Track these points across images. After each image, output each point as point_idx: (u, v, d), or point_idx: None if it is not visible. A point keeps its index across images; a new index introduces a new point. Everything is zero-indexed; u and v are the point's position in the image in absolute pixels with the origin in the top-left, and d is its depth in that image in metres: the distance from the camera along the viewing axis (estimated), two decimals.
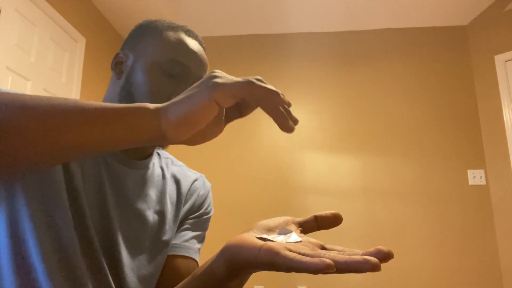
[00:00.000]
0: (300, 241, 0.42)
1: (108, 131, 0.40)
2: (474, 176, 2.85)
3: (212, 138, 0.44)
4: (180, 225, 0.73)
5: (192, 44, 0.68)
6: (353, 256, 0.33)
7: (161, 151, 0.78)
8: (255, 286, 2.76)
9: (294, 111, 3.10)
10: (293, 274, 2.77)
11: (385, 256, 0.34)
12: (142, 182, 0.68)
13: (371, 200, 2.88)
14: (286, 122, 0.41)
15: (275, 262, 0.36)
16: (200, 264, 0.65)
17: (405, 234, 2.80)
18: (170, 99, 0.64)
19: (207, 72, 0.71)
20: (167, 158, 0.78)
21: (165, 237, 0.68)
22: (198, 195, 0.77)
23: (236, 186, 2.99)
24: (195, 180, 0.78)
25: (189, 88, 0.43)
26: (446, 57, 3.09)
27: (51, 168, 0.54)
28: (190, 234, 0.73)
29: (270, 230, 0.46)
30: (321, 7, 2.95)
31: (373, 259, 0.32)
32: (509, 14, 2.80)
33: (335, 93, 3.12)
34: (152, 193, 0.69)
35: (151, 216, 0.67)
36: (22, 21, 2.07)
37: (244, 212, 2.92)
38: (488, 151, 2.87)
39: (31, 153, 0.37)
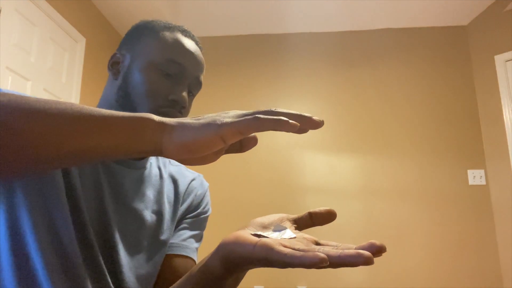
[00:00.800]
0: (295, 237, 0.42)
1: (112, 140, 0.40)
2: (474, 176, 2.85)
3: (205, 163, 0.44)
4: (177, 225, 0.73)
5: (189, 44, 0.69)
6: (346, 251, 0.33)
7: None
8: (255, 286, 2.76)
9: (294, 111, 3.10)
10: (293, 274, 2.77)
11: (377, 250, 0.34)
12: (140, 182, 0.69)
13: (371, 200, 2.88)
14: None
15: (270, 258, 0.37)
16: None
17: (405, 234, 2.80)
18: (167, 99, 0.65)
19: (204, 72, 0.72)
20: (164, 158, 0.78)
21: (163, 237, 0.69)
22: (195, 195, 0.77)
23: (235, 186, 2.99)
24: (192, 180, 0.78)
25: (199, 117, 0.42)
26: (446, 57, 3.09)
27: (51, 171, 0.55)
28: (188, 233, 0.73)
29: (265, 227, 0.47)
30: (321, 7, 2.95)
31: (366, 252, 0.32)
32: (509, 14, 2.79)
33: (335, 93, 3.12)
34: (150, 193, 0.69)
35: (148, 215, 0.67)
36: (22, 21, 2.08)
37: (244, 212, 2.92)
38: (488, 151, 2.86)
39: (34, 157, 0.37)
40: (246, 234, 0.43)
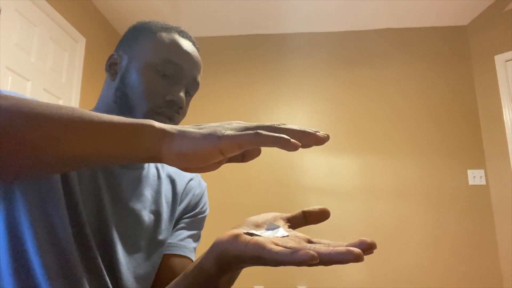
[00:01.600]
0: (287, 236, 0.43)
1: (112, 146, 0.40)
2: (474, 176, 2.85)
3: (206, 172, 0.44)
4: (175, 225, 0.74)
5: (186, 44, 0.69)
6: (336, 248, 0.34)
7: None
8: (255, 286, 2.76)
9: (294, 111, 3.10)
10: (293, 274, 2.77)
11: (368, 247, 0.35)
12: (138, 182, 0.69)
13: (370, 200, 2.88)
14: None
15: (262, 256, 0.37)
16: None
17: (405, 234, 2.80)
18: (164, 99, 0.65)
19: (201, 73, 0.72)
20: None
21: (161, 237, 0.69)
22: (193, 195, 0.77)
23: (234, 186, 2.99)
24: (190, 180, 0.78)
25: (201, 126, 0.42)
26: (446, 57, 3.09)
27: (51, 175, 0.55)
28: (186, 233, 0.73)
29: (258, 225, 0.47)
30: (321, 7, 2.95)
31: (356, 249, 0.33)
32: (509, 14, 2.79)
33: (335, 93, 3.12)
34: (148, 193, 0.69)
35: (146, 215, 0.67)
36: (22, 21, 2.08)
37: (242, 212, 2.92)
38: (488, 151, 2.86)
39: (34, 161, 0.38)
40: (239, 233, 0.43)
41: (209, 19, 3.12)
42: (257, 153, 0.43)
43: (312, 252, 0.33)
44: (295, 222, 0.48)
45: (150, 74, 0.65)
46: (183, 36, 0.70)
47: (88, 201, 0.60)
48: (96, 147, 0.39)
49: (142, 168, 0.71)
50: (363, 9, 2.96)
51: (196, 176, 0.81)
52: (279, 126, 0.40)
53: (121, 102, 0.66)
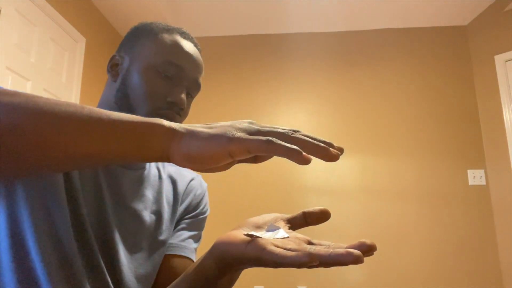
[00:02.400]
0: (288, 237, 0.43)
1: (120, 145, 0.39)
2: (474, 176, 2.85)
3: (217, 172, 0.43)
4: (176, 225, 0.74)
5: (187, 46, 0.69)
6: (336, 250, 0.34)
7: None
8: (255, 286, 2.76)
9: (294, 111, 3.10)
10: (293, 274, 2.78)
11: (368, 249, 0.35)
12: (139, 183, 0.69)
13: (371, 200, 2.89)
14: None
15: (262, 257, 0.37)
16: None
17: (405, 234, 2.80)
18: (165, 100, 0.65)
19: (202, 74, 0.72)
20: None
21: (162, 237, 0.69)
22: (194, 195, 0.77)
23: (234, 186, 2.99)
24: (191, 180, 0.79)
25: (211, 126, 0.41)
26: (446, 57, 3.09)
27: (57, 173, 0.55)
28: (187, 234, 0.73)
29: (259, 227, 0.47)
30: (321, 7, 2.95)
31: (356, 251, 0.33)
32: (509, 14, 2.79)
33: (335, 93, 3.12)
34: (149, 193, 0.70)
35: (148, 216, 0.67)
36: (22, 21, 2.08)
37: (243, 212, 2.92)
38: (488, 151, 2.87)
39: (41, 159, 0.37)
40: (239, 234, 0.43)
41: (209, 19, 3.12)
42: (270, 155, 0.41)
43: (312, 254, 0.33)
44: (295, 223, 0.48)
45: (151, 75, 0.65)
46: (184, 38, 0.70)
47: (89, 201, 0.60)
48: (105, 146, 0.39)
49: (143, 168, 0.71)
50: (363, 9, 2.96)
51: (197, 177, 0.81)
52: (293, 134, 0.39)
53: (122, 103, 0.66)
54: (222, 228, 2.75)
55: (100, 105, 0.70)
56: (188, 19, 3.11)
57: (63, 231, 0.54)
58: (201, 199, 0.78)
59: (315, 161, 2.99)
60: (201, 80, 0.71)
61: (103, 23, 2.96)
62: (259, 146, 0.37)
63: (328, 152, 0.38)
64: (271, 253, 0.36)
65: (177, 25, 3.12)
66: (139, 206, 0.67)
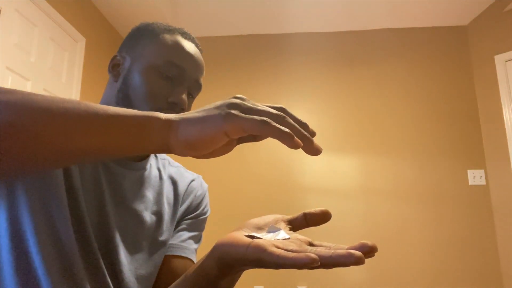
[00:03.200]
0: (288, 238, 0.43)
1: (118, 138, 0.40)
2: (474, 176, 2.85)
3: (219, 156, 0.44)
4: (177, 226, 0.74)
5: (189, 46, 0.69)
6: (337, 251, 0.34)
7: None
8: (255, 286, 2.76)
9: (294, 111, 3.10)
10: (293, 274, 2.78)
11: (369, 250, 0.35)
12: (140, 183, 0.69)
13: (371, 200, 2.89)
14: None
15: (263, 259, 0.37)
16: None
17: (405, 234, 2.80)
18: (166, 101, 0.65)
19: (204, 74, 0.72)
20: (164, 159, 0.79)
21: (162, 238, 0.69)
22: (195, 196, 0.77)
23: (235, 186, 2.99)
24: (192, 181, 0.79)
25: (205, 108, 0.42)
26: (446, 57, 3.09)
27: (56, 169, 0.55)
28: (187, 234, 0.73)
29: (259, 228, 0.47)
30: (321, 7, 2.95)
31: (357, 252, 0.33)
32: (509, 14, 2.79)
33: (335, 93, 3.12)
34: (149, 194, 0.70)
35: (148, 216, 0.67)
36: (22, 21, 2.08)
37: (243, 212, 2.92)
38: (488, 151, 2.87)
39: (39, 155, 0.38)
40: (240, 236, 0.43)
41: (209, 19, 3.12)
42: (261, 134, 0.42)
43: (313, 255, 0.33)
44: (296, 224, 0.49)
45: (152, 75, 0.65)
46: (186, 38, 0.70)
47: (90, 202, 0.60)
48: (102, 140, 0.39)
49: (144, 169, 0.71)
50: (363, 9, 2.96)
51: (198, 178, 0.81)
52: (285, 118, 0.40)
53: (123, 103, 0.66)
54: (223, 228, 2.75)
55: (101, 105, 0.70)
56: (188, 19, 3.11)
57: (63, 231, 0.54)
58: (202, 200, 0.79)
59: (315, 161, 2.99)
60: (202, 80, 0.71)
61: (103, 23, 2.96)
62: (254, 126, 0.38)
63: (312, 145, 0.39)
64: (272, 254, 0.36)
65: (177, 25, 3.12)
66: (139, 206, 0.67)
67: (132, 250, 0.64)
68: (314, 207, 2.92)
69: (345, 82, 3.14)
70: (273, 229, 0.45)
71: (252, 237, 0.43)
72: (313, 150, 0.40)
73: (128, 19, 3.01)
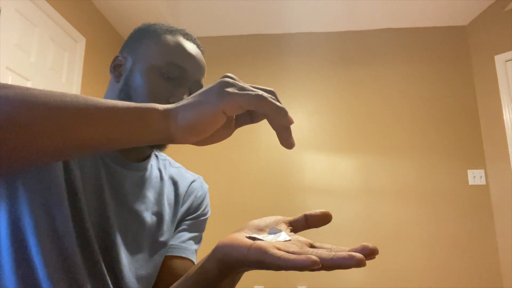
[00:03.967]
0: (289, 240, 0.43)
1: (117, 130, 0.40)
2: (474, 176, 2.85)
3: (221, 140, 0.45)
4: (177, 226, 0.74)
5: (190, 47, 0.69)
6: (339, 253, 0.34)
7: (159, 153, 0.78)
8: (255, 286, 2.76)
9: (294, 111, 3.10)
10: (293, 274, 2.78)
11: (370, 252, 0.35)
12: (140, 184, 0.69)
13: (371, 200, 2.89)
14: (289, 139, 0.41)
15: (264, 260, 0.37)
16: None
17: (405, 234, 2.80)
18: (168, 102, 0.65)
19: (205, 75, 0.72)
20: (164, 159, 0.79)
21: (163, 238, 0.69)
22: (195, 197, 0.77)
23: (235, 187, 2.99)
24: (192, 182, 0.79)
25: (200, 92, 0.43)
26: (446, 57, 3.09)
27: (56, 162, 0.55)
28: (187, 235, 0.73)
29: (260, 229, 0.47)
30: (321, 7, 2.95)
31: (358, 254, 0.33)
32: (509, 14, 2.79)
33: (335, 93, 3.12)
34: (150, 195, 0.70)
35: (149, 217, 0.68)
36: (22, 21, 2.08)
37: (243, 213, 2.92)
38: (488, 151, 2.87)
39: (39, 148, 0.38)
40: (241, 237, 0.43)
41: (209, 19, 3.12)
42: (262, 116, 0.44)
43: (314, 257, 0.33)
44: (297, 225, 0.49)
45: (154, 76, 0.65)
46: (187, 39, 0.70)
47: (90, 202, 0.60)
48: (101, 133, 0.40)
49: (145, 169, 0.71)
50: (363, 9, 2.96)
51: (198, 178, 0.81)
52: (276, 97, 0.42)
53: None
54: (223, 229, 2.75)
55: None
56: (188, 19, 3.11)
57: (64, 231, 0.54)
58: (202, 201, 0.79)
59: (315, 161, 2.99)
60: (203, 81, 0.72)
61: (103, 23, 2.96)
62: (250, 101, 0.39)
63: (288, 118, 0.41)
64: (273, 256, 0.36)
65: (177, 25, 3.11)
66: (140, 207, 0.67)
67: (133, 250, 0.64)
68: (314, 208, 2.92)
69: (345, 82, 3.14)
70: (274, 230, 0.46)
71: (253, 238, 0.43)
72: (287, 119, 0.40)
73: (128, 19, 3.01)
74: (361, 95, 3.09)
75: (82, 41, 2.64)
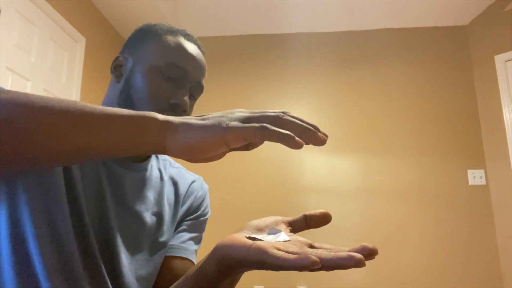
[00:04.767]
0: (289, 240, 0.43)
1: (114, 138, 0.40)
2: (474, 176, 2.85)
3: (212, 161, 0.45)
4: (177, 227, 0.74)
5: (191, 48, 0.69)
6: (338, 253, 0.34)
7: None
8: (255, 286, 2.76)
9: (294, 111, 3.10)
10: (293, 274, 2.78)
11: (369, 253, 0.35)
12: (140, 184, 0.69)
13: (370, 200, 2.89)
14: (294, 145, 0.40)
15: (264, 260, 0.38)
16: None
17: (404, 234, 2.80)
18: (168, 102, 0.65)
19: (205, 76, 0.72)
20: (165, 160, 0.79)
21: (163, 238, 0.69)
22: (195, 197, 0.78)
23: (234, 187, 2.99)
24: (192, 182, 0.79)
25: (207, 116, 0.42)
26: (446, 57, 3.09)
27: (53, 168, 0.55)
28: (187, 235, 0.74)
29: (260, 229, 0.47)
30: (321, 7, 2.95)
31: (358, 255, 0.33)
32: (509, 14, 2.79)
33: (335, 93, 3.12)
34: (150, 195, 0.70)
35: (149, 217, 0.68)
36: (22, 21, 2.08)
37: (243, 213, 2.92)
38: (488, 151, 2.87)
39: (36, 154, 0.38)
40: (241, 237, 0.43)
41: (209, 19, 3.12)
42: (262, 141, 0.43)
43: (313, 257, 0.33)
44: (296, 226, 0.49)
45: (154, 77, 0.65)
46: (188, 40, 0.70)
47: (90, 202, 0.60)
48: (98, 140, 0.39)
49: (145, 169, 0.71)
50: (363, 9, 2.96)
51: (198, 179, 0.81)
52: (284, 117, 0.40)
53: (125, 104, 0.66)
54: (223, 230, 2.74)
55: (103, 106, 0.70)
56: (188, 19, 3.11)
57: (63, 232, 0.54)
58: (202, 201, 0.79)
59: (315, 161, 2.99)
60: (204, 81, 0.72)
61: (103, 23, 2.96)
62: (254, 133, 0.38)
63: (316, 135, 0.40)
64: (273, 256, 0.37)
65: (177, 25, 3.12)
66: (140, 207, 0.67)
67: (133, 250, 0.64)
68: (314, 208, 2.92)
69: (345, 82, 3.14)
70: (273, 230, 0.46)
71: (253, 238, 0.43)
72: (317, 141, 0.40)
73: (128, 19, 3.01)
74: (361, 95, 3.09)
75: (82, 41, 2.64)
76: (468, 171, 2.87)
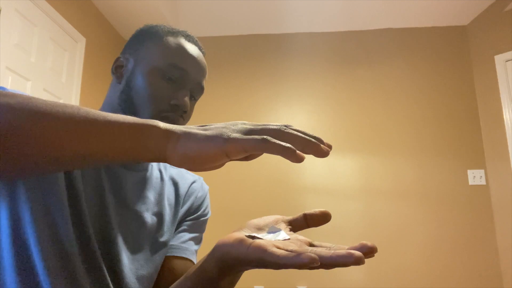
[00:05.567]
0: (289, 239, 0.43)
1: (116, 145, 0.40)
2: (474, 176, 2.85)
3: (211, 170, 0.45)
4: (177, 227, 0.74)
5: (192, 49, 0.69)
6: (337, 251, 0.34)
7: None
8: (255, 286, 2.76)
9: (294, 111, 3.11)
10: (293, 274, 2.78)
11: (369, 251, 0.35)
12: (141, 184, 0.69)
13: (371, 200, 2.89)
14: (295, 156, 0.40)
15: (263, 259, 0.38)
16: None
17: (405, 234, 2.80)
18: (169, 103, 0.65)
19: (206, 77, 0.72)
20: None
21: (163, 239, 0.69)
22: (196, 197, 0.78)
23: (234, 187, 2.99)
24: (193, 182, 0.79)
25: (209, 127, 0.42)
26: (446, 57, 3.09)
27: (53, 173, 0.55)
28: (188, 235, 0.74)
29: (260, 228, 0.48)
30: (321, 7, 2.95)
31: (357, 252, 0.33)
32: (509, 14, 2.79)
33: (335, 93, 3.13)
34: (151, 195, 0.70)
35: (149, 217, 0.68)
36: (22, 21, 2.08)
37: (243, 213, 2.92)
38: (488, 151, 2.87)
39: (38, 159, 0.38)
40: (241, 236, 0.43)
41: (209, 19, 3.12)
42: (261, 153, 0.43)
43: (313, 255, 0.33)
44: (296, 224, 0.49)
45: (155, 78, 0.65)
46: (189, 41, 0.70)
47: (91, 202, 0.60)
48: (100, 147, 0.39)
49: (145, 170, 0.71)
50: (363, 9, 2.96)
51: (199, 179, 0.81)
52: (286, 130, 0.40)
53: (126, 105, 0.66)
54: (223, 230, 2.75)
55: (104, 106, 0.71)
56: (188, 19, 3.11)
57: (64, 232, 0.54)
58: (202, 202, 0.79)
59: (315, 161, 2.99)
60: (204, 82, 0.72)
61: (103, 23, 2.96)
62: (255, 145, 0.38)
63: (318, 148, 0.39)
64: (273, 254, 0.37)
65: (177, 25, 3.12)
66: (140, 207, 0.67)
67: (133, 250, 0.64)
68: (314, 207, 2.92)
69: (345, 82, 3.14)
70: (273, 229, 0.46)
71: (253, 237, 0.43)
72: (321, 153, 0.40)
73: (128, 19, 3.01)
74: (361, 95, 3.09)
75: (82, 41, 2.64)
76: (468, 171, 2.87)
